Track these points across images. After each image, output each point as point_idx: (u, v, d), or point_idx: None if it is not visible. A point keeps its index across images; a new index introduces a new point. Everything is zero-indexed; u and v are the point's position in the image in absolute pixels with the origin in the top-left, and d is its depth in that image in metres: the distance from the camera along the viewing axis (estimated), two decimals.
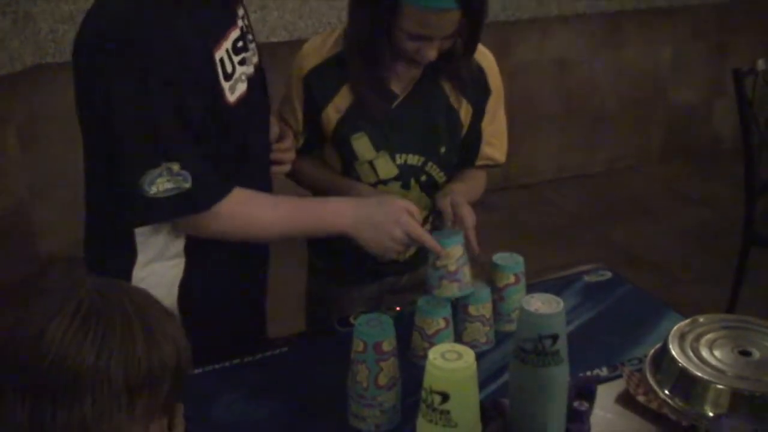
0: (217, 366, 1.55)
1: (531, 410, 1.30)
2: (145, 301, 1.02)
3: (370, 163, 1.74)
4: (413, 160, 1.75)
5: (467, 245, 1.57)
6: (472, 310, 1.58)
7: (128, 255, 1.51)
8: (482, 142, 1.83)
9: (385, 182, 1.76)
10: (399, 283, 1.88)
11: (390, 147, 1.73)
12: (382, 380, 1.36)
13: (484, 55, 1.78)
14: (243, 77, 1.51)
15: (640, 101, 4.67)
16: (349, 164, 1.76)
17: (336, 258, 1.89)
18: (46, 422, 0.94)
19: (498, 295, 1.64)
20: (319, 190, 1.82)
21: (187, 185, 1.39)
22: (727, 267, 3.06)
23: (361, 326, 1.37)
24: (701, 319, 1.50)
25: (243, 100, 1.49)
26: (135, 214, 1.44)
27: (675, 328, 1.48)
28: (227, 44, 1.47)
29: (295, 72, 1.74)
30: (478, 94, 1.78)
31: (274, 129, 1.70)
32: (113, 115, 1.37)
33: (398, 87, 1.72)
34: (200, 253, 1.55)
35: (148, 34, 1.35)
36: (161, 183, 1.38)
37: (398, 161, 1.74)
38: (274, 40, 3.55)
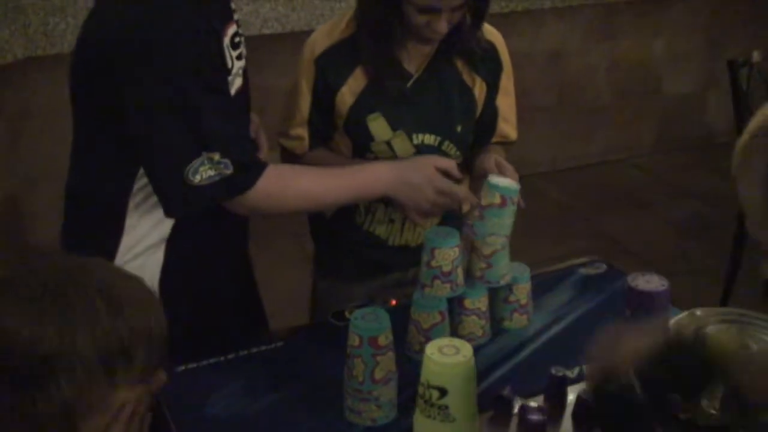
0: (212, 360, 1.54)
1: None
2: (106, 271, 1.02)
3: (388, 143, 1.73)
4: (430, 139, 1.75)
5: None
6: (468, 303, 1.57)
7: (112, 242, 1.53)
8: (498, 119, 1.85)
9: None
10: (405, 278, 1.86)
11: (407, 126, 1.73)
12: (378, 374, 1.35)
13: (492, 33, 1.82)
14: (240, 71, 1.54)
15: (633, 93, 4.66)
16: (363, 148, 1.75)
17: (342, 253, 1.88)
18: (29, 410, 0.94)
19: (479, 212, 1.58)
20: None
21: (229, 171, 1.45)
22: (721, 259, 3.06)
23: (356, 320, 1.36)
24: (698, 312, 1.49)
25: (240, 92, 1.53)
26: (182, 204, 1.47)
27: (672, 321, 1.47)
28: (227, 39, 1.50)
29: (305, 56, 1.74)
30: (491, 70, 1.81)
31: (254, 123, 1.72)
32: (150, 113, 1.41)
33: (412, 66, 1.74)
34: (181, 237, 1.56)
35: (168, 31, 1.38)
36: (204, 171, 1.43)
37: (415, 141, 1.74)
38: (266, 32, 3.54)
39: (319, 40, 1.74)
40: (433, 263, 1.52)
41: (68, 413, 0.96)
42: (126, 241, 1.53)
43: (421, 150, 1.75)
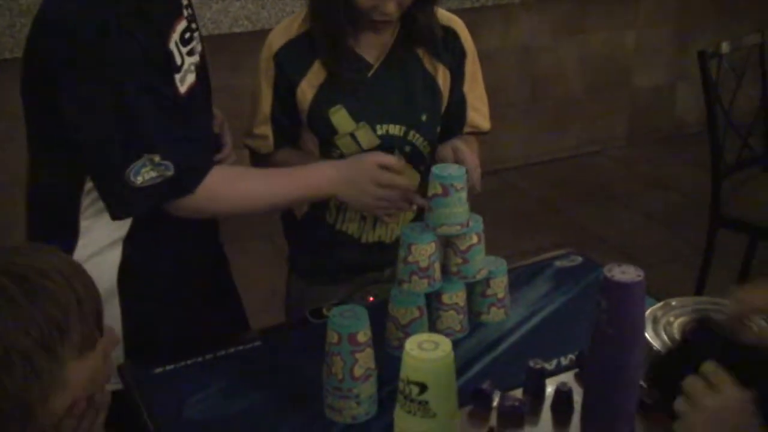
0: (189, 362, 1.53)
1: None
2: (20, 255, 0.99)
3: (352, 135, 1.73)
4: (395, 129, 1.74)
5: (469, 180, 1.55)
6: (445, 298, 1.57)
7: (68, 243, 1.52)
8: (467, 108, 1.83)
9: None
10: (381, 278, 1.86)
11: (369, 117, 1.73)
12: (358, 372, 1.34)
13: (453, 20, 1.81)
14: (192, 67, 1.52)
15: (604, 86, 4.69)
16: (328, 143, 1.75)
17: (316, 254, 1.87)
18: None
19: (428, 204, 1.54)
20: None
21: (170, 173, 1.43)
22: (695, 249, 3.09)
23: (335, 318, 1.35)
24: (673, 303, 1.50)
25: (192, 89, 1.51)
26: (124, 205, 1.46)
27: (648, 311, 1.48)
28: (175, 36, 1.48)
29: (264, 54, 1.74)
30: (454, 57, 1.79)
31: (218, 118, 1.72)
32: (86, 115, 1.39)
33: (371, 56, 1.73)
34: (142, 235, 1.55)
35: (101, 30, 1.35)
36: (146, 172, 1.41)
37: (379, 132, 1.74)
38: (236, 30, 3.52)
39: (277, 37, 1.74)
40: (410, 259, 1.51)
41: (22, 403, 0.94)
42: (82, 242, 1.52)
43: (387, 140, 1.74)
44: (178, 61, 1.48)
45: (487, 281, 1.62)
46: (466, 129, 1.86)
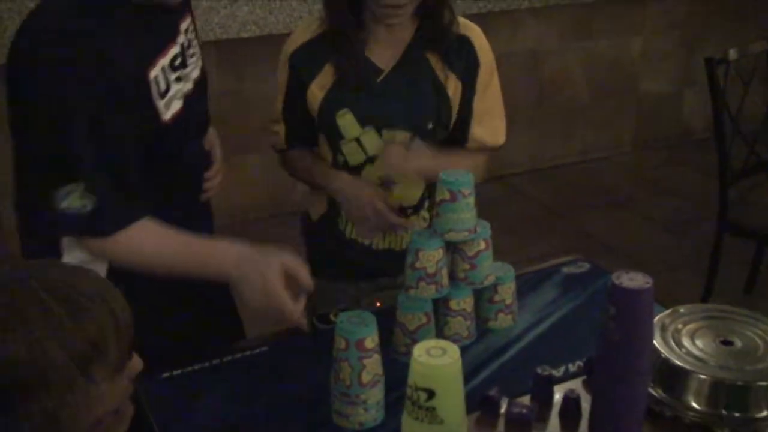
0: (195, 367, 1.53)
1: None
2: (59, 274, 1.00)
3: (358, 140, 1.73)
4: (401, 136, 1.73)
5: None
6: (453, 304, 1.57)
7: (53, 256, 1.49)
8: (471, 121, 1.79)
9: (372, 160, 1.74)
10: (393, 284, 1.83)
11: (376, 122, 1.72)
12: (366, 378, 1.34)
13: (470, 28, 1.77)
14: (179, 95, 1.49)
15: (611, 92, 4.69)
16: (337, 148, 1.75)
17: (330, 256, 1.87)
18: (12, 428, 0.92)
19: (435, 210, 1.55)
20: (306, 181, 1.86)
21: (89, 209, 1.38)
22: (702, 255, 3.08)
23: (342, 323, 1.35)
24: (682, 310, 1.50)
25: (178, 117, 1.48)
26: (45, 225, 1.43)
27: (656, 318, 1.47)
28: (165, 61, 1.46)
29: (283, 54, 1.76)
30: (467, 67, 1.75)
31: (210, 138, 1.69)
32: (32, 129, 1.37)
33: (383, 61, 1.73)
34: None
35: (74, 50, 1.33)
36: (73, 199, 1.37)
37: (385, 137, 1.73)
38: (244, 35, 3.52)
39: (296, 38, 1.75)
40: (417, 265, 1.51)
41: (55, 420, 0.95)
42: (66, 258, 1.48)
43: None
44: (163, 87, 1.45)
45: (494, 287, 1.62)
46: (471, 144, 1.81)
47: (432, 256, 1.51)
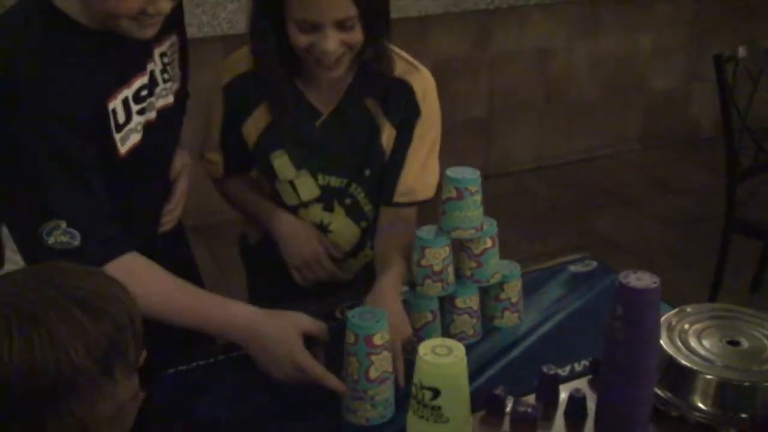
0: (201, 362, 1.53)
1: None
2: (72, 277, 1.00)
3: (291, 183, 1.69)
4: (336, 181, 1.69)
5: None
6: (459, 302, 1.56)
7: None
8: (402, 173, 1.68)
9: (306, 204, 1.71)
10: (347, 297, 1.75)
11: (311, 166, 1.68)
12: (373, 374, 1.34)
13: (417, 75, 1.65)
14: (138, 127, 1.46)
15: (619, 89, 4.67)
16: (272, 185, 1.72)
17: (274, 279, 1.78)
18: None
19: (441, 207, 1.53)
20: (244, 213, 1.81)
21: (76, 243, 1.37)
22: (709, 254, 3.07)
23: (353, 318, 1.35)
24: (689, 309, 1.49)
25: (134, 150, 1.45)
26: (36, 261, 1.39)
27: (663, 318, 1.47)
28: (129, 92, 1.43)
29: (221, 79, 1.67)
30: (405, 115, 1.65)
31: (176, 166, 1.64)
32: (4, 170, 1.34)
33: (323, 104, 1.65)
34: None
35: (34, 84, 1.30)
36: (57, 235, 1.36)
37: (320, 182, 1.69)
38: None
39: (231, 66, 1.65)
40: (424, 262, 1.51)
41: (81, 422, 0.96)
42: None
43: (327, 191, 1.69)
44: (121, 119, 1.41)
45: (500, 285, 1.61)
46: (398, 198, 1.69)
47: (438, 254, 1.50)
